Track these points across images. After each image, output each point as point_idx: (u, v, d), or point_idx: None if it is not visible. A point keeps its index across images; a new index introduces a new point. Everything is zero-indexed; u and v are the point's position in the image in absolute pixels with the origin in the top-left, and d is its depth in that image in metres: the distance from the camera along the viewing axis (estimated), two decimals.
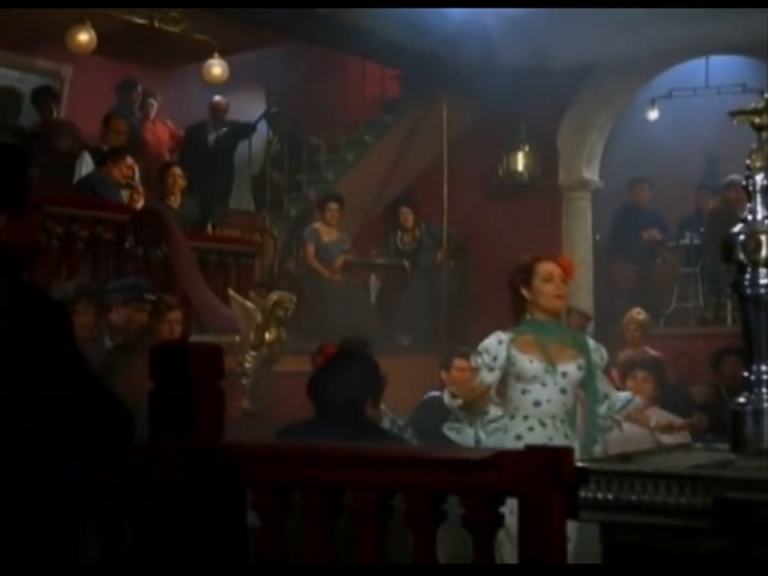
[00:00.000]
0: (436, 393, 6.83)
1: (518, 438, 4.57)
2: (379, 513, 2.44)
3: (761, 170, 2.29)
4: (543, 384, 4.69)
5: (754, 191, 2.29)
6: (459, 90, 10.19)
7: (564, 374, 4.71)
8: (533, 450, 2.30)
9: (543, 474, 2.25)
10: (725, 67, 10.83)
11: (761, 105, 2.25)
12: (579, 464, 2.29)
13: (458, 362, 6.89)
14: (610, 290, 10.95)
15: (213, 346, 2.76)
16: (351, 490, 2.46)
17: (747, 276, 2.30)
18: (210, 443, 2.63)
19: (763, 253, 2.27)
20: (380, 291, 10.59)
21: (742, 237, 2.29)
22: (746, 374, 2.34)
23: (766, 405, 2.34)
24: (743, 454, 2.39)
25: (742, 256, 2.28)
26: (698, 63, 10.90)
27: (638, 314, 9.55)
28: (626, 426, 6.86)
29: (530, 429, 4.64)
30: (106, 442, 2.46)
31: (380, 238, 11.00)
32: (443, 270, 10.67)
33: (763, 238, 2.27)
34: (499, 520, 2.34)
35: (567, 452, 2.28)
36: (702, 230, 10.90)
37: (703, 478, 2.19)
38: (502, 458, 2.31)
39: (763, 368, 2.34)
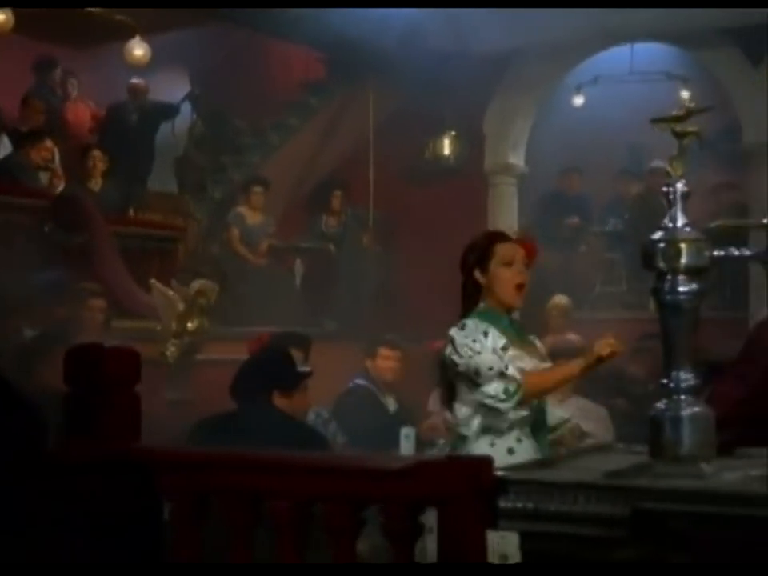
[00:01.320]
0: (361, 381, 6.83)
1: (510, 451, 3.97)
2: (297, 521, 2.41)
3: (681, 177, 2.28)
4: None
5: (675, 198, 2.29)
6: (385, 73, 10.14)
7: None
8: (453, 460, 2.29)
9: (463, 483, 2.24)
10: (649, 54, 10.90)
11: (681, 112, 2.24)
12: (499, 473, 2.28)
13: (383, 351, 6.89)
14: (534, 275, 10.99)
15: (129, 349, 2.70)
16: (269, 497, 2.43)
17: (667, 283, 2.29)
18: (124, 449, 2.58)
19: (683, 260, 2.27)
20: (305, 276, 10.53)
21: (662, 244, 2.28)
22: (664, 380, 2.34)
23: (684, 411, 2.34)
24: (662, 460, 2.39)
25: (661, 263, 2.27)
26: (623, 50, 10.96)
27: (561, 299, 9.62)
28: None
29: (519, 441, 4.05)
30: (12, 442, 2.39)
31: (305, 221, 10.94)
32: (369, 255, 10.64)
33: (683, 245, 2.27)
34: (419, 529, 2.32)
35: (487, 461, 2.27)
36: (625, 215, 11.01)
37: (620, 488, 2.19)
38: (422, 467, 2.29)
39: (682, 375, 2.34)
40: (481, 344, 3.97)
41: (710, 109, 2.26)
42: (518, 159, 11.19)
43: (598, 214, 11.43)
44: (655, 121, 2.27)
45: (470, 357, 3.97)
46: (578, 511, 2.19)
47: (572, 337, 9.49)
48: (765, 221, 2.30)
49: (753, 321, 9.15)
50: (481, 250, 4.16)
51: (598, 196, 11.52)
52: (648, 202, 10.14)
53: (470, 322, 4.05)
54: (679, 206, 2.29)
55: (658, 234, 2.29)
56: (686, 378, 2.35)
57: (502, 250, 4.13)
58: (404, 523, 2.30)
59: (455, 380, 4.10)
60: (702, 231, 2.30)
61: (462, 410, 4.09)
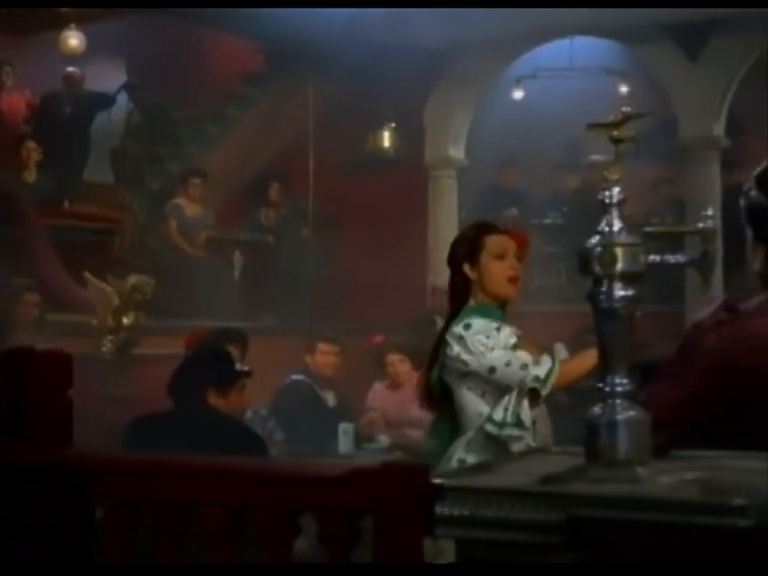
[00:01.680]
0: (299, 376, 6.80)
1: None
2: (230, 529, 2.38)
3: (617, 182, 2.27)
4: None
5: (611, 204, 2.28)
6: (325, 66, 10.10)
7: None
8: (389, 466, 2.27)
9: (399, 490, 2.22)
10: (589, 49, 10.98)
11: (618, 118, 2.23)
12: (436, 479, 2.26)
13: (323, 346, 6.87)
14: None
15: (61, 352, 2.65)
16: (201, 504, 2.39)
17: (603, 289, 2.29)
18: (56, 454, 2.53)
19: (619, 266, 2.26)
20: (244, 268, 10.47)
21: (598, 249, 2.27)
22: (600, 385, 2.34)
23: (619, 416, 2.34)
24: (597, 464, 2.39)
25: (598, 269, 2.26)
26: (563, 44, 11.02)
27: None
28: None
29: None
30: None
31: (244, 213, 10.87)
32: (308, 247, 10.60)
33: (619, 251, 2.26)
34: (355, 536, 2.30)
35: (424, 468, 2.25)
36: (564, 209, 11.08)
37: (556, 495, 2.18)
38: (357, 474, 2.26)
39: (617, 380, 2.34)
40: (494, 340, 3.80)
41: (648, 115, 2.25)
42: (458, 152, 11.20)
43: (537, 207, 11.50)
44: (592, 126, 2.26)
45: (483, 353, 3.76)
46: (513, 518, 2.18)
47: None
48: (700, 225, 2.29)
49: (689, 316, 9.28)
50: (470, 242, 3.93)
51: (536, 189, 11.59)
52: (586, 196, 10.21)
53: (478, 320, 3.83)
54: (615, 211, 2.28)
55: (593, 240, 2.28)
56: (622, 382, 2.35)
57: (492, 242, 3.91)
58: (339, 531, 2.28)
59: (458, 382, 3.87)
60: (639, 236, 2.30)
61: (463, 414, 3.86)
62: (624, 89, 11.17)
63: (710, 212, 2.25)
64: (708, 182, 10.43)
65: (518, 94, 11.27)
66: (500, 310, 3.97)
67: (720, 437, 2.65)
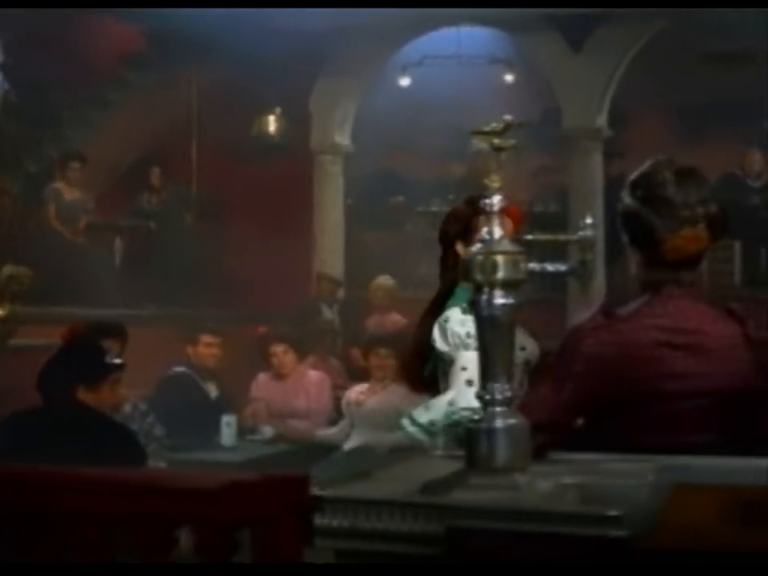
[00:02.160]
0: (180, 368, 6.70)
1: None
2: (105, 541, 2.31)
3: (499, 190, 2.26)
4: None
5: (492, 212, 2.27)
6: (209, 49, 9.95)
7: (527, 363, 3.68)
8: (267, 478, 2.23)
9: (278, 502, 2.18)
10: (475, 38, 11.02)
11: (500, 126, 2.22)
12: (315, 490, 2.23)
13: (205, 338, 6.78)
14: (360, 255, 11.03)
15: None
16: (75, 516, 2.32)
17: (484, 296, 2.28)
18: None
19: (500, 274, 2.25)
20: (124, 254, 10.28)
21: (479, 257, 2.26)
22: (480, 392, 2.33)
23: (498, 423, 2.34)
24: (477, 471, 2.39)
25: (479, 276, 2.26)
26: (450, 32, 11.04)
27: (386, 280, 9.67)
28: (372, 399, 6.94)
29: None
30: None
31: (125, 198, 10.67)
32: (191, 233, 10.46)
33: (500, 259, 2.26)
34: (233, 548, 2.26)
35: (304, 478, 2.21)
36: (450, 196, 11.12)
37: (434, 506, 2.17)
38: (235, 486, 2.22)
39: (497, 386, 2.34)
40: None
41: (529, 124, 2.25)
42: (344, 138, 11.17)
43: (423, 194, 11.53)
44: (474, 134, 2.24)
45: (457, 347, 3.57)
46: (392, 529, 2.17)
47: (396, 317, 9.57)
48: (579, 233, 2.30)
49: (570, 310, 9.41)
50: (464, 221, 3.69)
51: (423, 176, 11.61)
52: (471, 184, 10.27)
53: (456, 312, 3.64)
54: (496, 219, 2.27)
55: (475, 247, 2.27)
56: (502, 389, 2.35)
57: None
58: (217, 543, 2.24)
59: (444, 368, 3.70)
60: (520, 244, 2.30)
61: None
62: (509, 78, 11.25)
63: (588, 220, 2.25)
64: (591, 173, 10.58)
65: (404, 81, 11.27)
66: None
67: (597, 439, 2.68)
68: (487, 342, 2.34)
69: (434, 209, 11.21)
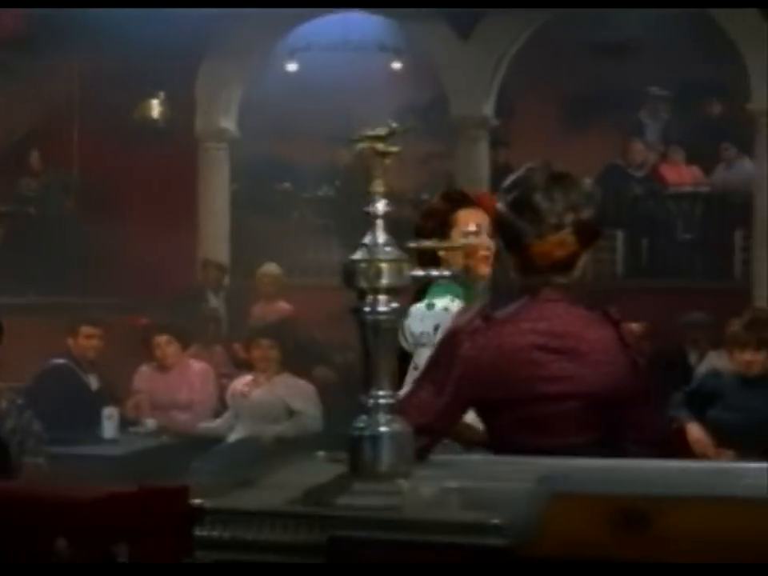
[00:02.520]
0: (60, 360, 6.56)
1: None
2: None
3: (383, 195, 2.24)
4: None
5: (376, 217, 2.25)
6: (92, 32, 9.73)
7: None
8: (145, 490, 2.18)
9: (156, 514, 2.14)
10: (363, 24, 10.99)
11: (384, 131, 2.19)
12: (195, 501, 2.19)
13: (86, 329, 6.64)
14: (246, 241, 10.94)
15: None
16: None
17: (367, 303, 2.26)
18: None
19: (383, 280, 2.23)
20: (4, 240, 10.01)
21: (362, 264, 2.24)
22: (363, 398, 2.32)
23: (382, 429, 2.33)
24: (361, 477, 2.37)
25: (362, 283, 2.24)
26: (337, 18, 10.99)
27: (272, 267, 9.62)
28: (256, 391, 6.89)
29: None
30: None
31: (4, 184, 10.38)
32: (73, 220, 10.24)
33: (384, 265, 2.24)
34: (110, 561, 2.21)
35: (182, 489, 2.17)
36: (337, 182, 11.10)
37: (317, 516, 2.15)
38: (112, 498, 2.16)
39: (381, 393, 2.32)
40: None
41: (412, 129, 2.23)
42: (229, 124, 11.05)
43: (310, 180, 11.48)
44: (357, 140, 2.21)
45: (413, 346, 3.49)
46: (273, 540, 2.14)
47: (283, 305, 9.52)
48: (462, 240, 2.30)
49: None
50: (441, 216, 3.61)
51: (310, 162, 11.56)
52: (358, 171, 10.22)
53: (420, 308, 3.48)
54: (380, 224, 2.25)
55: (358, 254, 2.25)
56: (386, 395, 2.34)
57: (465, 218, 3.54)
58: (93, 555, 2.18)
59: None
60: (403, 250, 2.28)
61: None
62: (397, 65, 11.26)
63: (471, 227, 2.25)
64: (477, 161, 10.66)
65: (291, 67, 11.20)
66: (469, 288, 3.54)
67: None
68: (371, 348, 2.32)
69: (321, 194, 11.19)
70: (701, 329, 8.42)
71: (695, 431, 5.07)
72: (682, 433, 5.08)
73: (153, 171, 10.38)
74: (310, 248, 11.09)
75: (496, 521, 2.04)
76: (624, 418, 2.70)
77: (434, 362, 2.72)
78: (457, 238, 3.47)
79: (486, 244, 3.44)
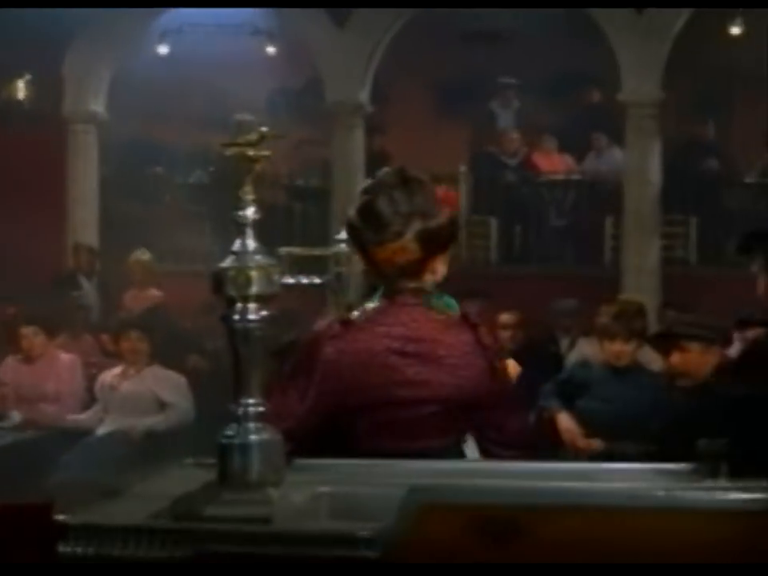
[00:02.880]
0: None
1: None
2: None
3: (253, 202, 2.20)
4: None
5: (245, 224, 2.20)
6: None
7: None
8: (6, 506, 2.11)
9: (19, 530, 2.07)
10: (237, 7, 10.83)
11: (254, 137, 2.15)
12: (59, 516, 2.12)
13: None
14: (117, 227, 10.73)
15: None
16: None
17: (237, 311, 2.22)
18: None
19: (254, 288, 2.20)
20: None
21: (232, 272, 2.20)
22: (233, 407, 2.28)
23: (252, 438, 2.29)
24: (230, 486, 2.33)
25: (232, 291, 2.19)
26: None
27: (143, 254, 9.46)
28: (126, 384, 6.76)
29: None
30: None
31: None
32: None
33: (254, 273, 2.20)
34: None
35: (45, 505, 2.11)
36: (210, 168, 10.95)
37: (183, 531, 2.11)
38: None
39: (251, 401, 2.29)
40: None
41: (282, 137, 2.18)
42: (98, 106, 10.82)
43: (182, 165, 11.31)
44: (227, 145, 2.16)
45: None
46: (140, 555, 2.09)
47: (155, 292, 9.38)
48: (334, 248, 2.27)
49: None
50: None
51: (182, 147, 11.38)
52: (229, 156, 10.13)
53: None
54: (250, 231, 2.21)
55: (227, 261, 2.20)
56: (255, 403, 2.31)
57: None
58: None
59: None
60: (273, 257, 2.24)
61: None
62: (271, 49, 11.15)
63: (341, 235, 2.23)
64: (352, 147, 10.63)
65: (163, 49, 10.99)
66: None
67: (339, 444, 2.69)
68: (241, 356, 2.28)
69: (193, 180, 11.04)
70: (572, 315, 8.55)
71: (565, 421, 5.14)
72: (552, 422, 5.15)
73: (19, 154, 10.09)
74: (182, 234, 10.93)
75: (366, 533, 2.03)
76: (484, 420, 2.73)
77: (295, 367, 2.70)
78: None
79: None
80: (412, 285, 2.67)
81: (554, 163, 11.45)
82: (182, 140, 11.27)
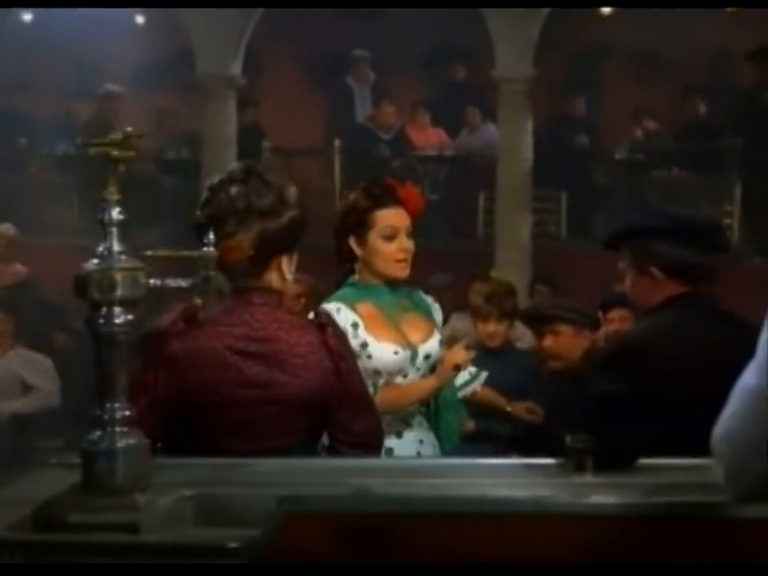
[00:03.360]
0: None
1: (389, 451, 3.33)
2: None
3: (117, 203, 2.13)
4: (405, 376, 3.48)
5: (110, 225, 2.14)
6: None
7: (427, 357, 3.51)
8: None
9: None
10: None
11: (118, 137, 2.07)
12: None
13: None
14: None
15: None
16: None
17: (101, 314, 2.16)
18: None
19: (118, 292, 2.14)
20: None
21: (96, 274, 2.13)
22: (97, 412, 2.22)
23: (119, 444, 2.24)
24: (96, 492, 2.28)
25: (96, 295, 2.13)
26: None
27: (7, 228, 9.20)
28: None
29: (398, 435, 3.47)
30: None
31: None
32: None
33: (118, 276, 2.14)
34: None
35: None
36: (77, 139, 10.68)
37: (43, 544, 2.06)
38: None
39: (116, 405, 2.24)
40: None
41: (143, 136, 2.11)
42: None
43: (48, 136, 11.00)
44: (89, 145, 2.09)
45: None
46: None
47: (19, 267, 9.13)
48: (203, 250, 2.21)
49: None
50: (359, 216, 3.44)
51: (47, 117, 11.08)
52: (99, 126, 9.96)
53: (329, 304, 3.44)
54: (115, 233, 2.14)
55: (91, 264, 2.13)
56: (121, 408, 2.26)
57: (384, 220, 3.43)
58: None
59: None
60: (139, 259, 2.18)
61: None
62: (140, 19, 10.93)
63: (210, 237, 2.17)
64: (224, 120, 10.48)
65: (27, 16, 10.68)
66: (385, 287, 3.50)
67: (189, 443, 2.66)
68: (105, 361, 2.23)
69: (60, 152, 10.76)
70: (445, 290, 8.60)
71: None
72: None
73: None
74: (48, 206, 10.66)
75: (234, 544, 2.02)
76: (329, 420, 2.74)
77: (139, 363, 2.64)
78: (374, 241, 3.41)
79: (408, 249, 3.42)
80: (260, 284, 2.65)
81: (428, 137, 11.47)
82: (48, 110, 10.96)
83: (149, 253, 2.18)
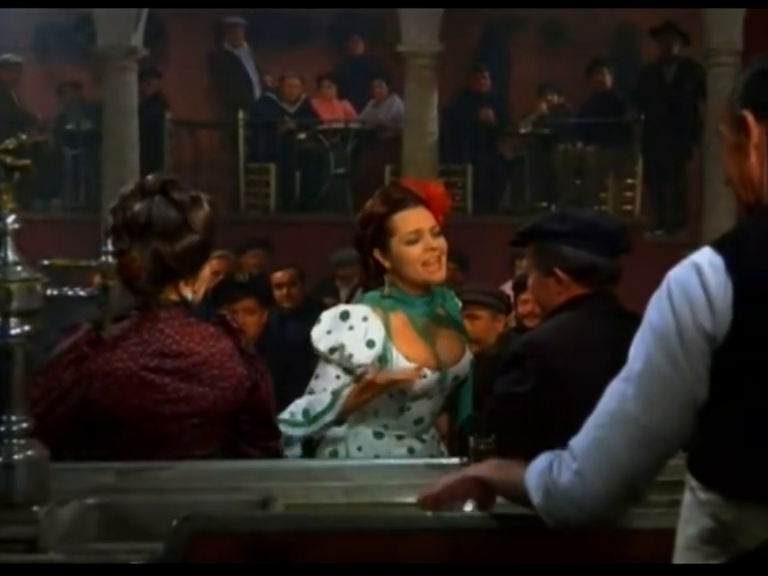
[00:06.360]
0: None
1: (360, 450, 3.23)
2: None
3: (12, 211, 2.07)
4: (430, 397, 3.24)
5: (4, 235, 2.08)
6: None
7: (456, 378, 3.27)
8: None
9: None
10: None
11: (12, 145, 2.01)
12: None
13: None
14: None
15: None
16: None
17: None
18: None
19: (15, 303, 2.08)
20: None
21: None
22: None
23: (17, 457, 2.20)
24: None
25: None
26: None
27: None
28: None
29: (411, 450, 3.24)
30: None
31: None
32: None
33: (14, 287, 2.08)
34: None
35: None
36: None
37: None
38: None
39: (14, 418, 2.20)
40: (337, 334, 3.14)
41: (44, 142, 2.05)
42: None
43: None
44: None
45: (316, 341, 3.18)
46: None
47: None
48: (101, 259, 2.16)
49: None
50: (377, 225, 3.16)
51: None
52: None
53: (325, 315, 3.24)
54: (10, 242, 2.08)
55: None
56: (19, 421, 2.22)
57: (403, 224, 3.15)
58: None
59: None
60: (37, 269, 2.12)
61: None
62: None
63: (108, 247, 2.12)
64: (125, 91, 10.25)
65: None
66: (419, 299, 3.22)
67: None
68: (2, 373, 2.18)
69: None
70: (351, 265, 8.57)
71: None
72: None
73: None
74: None
75: (139, 560, 2.00)
76: (241, 426, 2.72)
77: (42, 380, 2.56)
78: (397, 247, 3.14)
79: (435, 248, 3.17)
80: (162, 299, 2.57)
81: (333, 110, 11.41)
82: None
83: (46, 263, 2.12)
